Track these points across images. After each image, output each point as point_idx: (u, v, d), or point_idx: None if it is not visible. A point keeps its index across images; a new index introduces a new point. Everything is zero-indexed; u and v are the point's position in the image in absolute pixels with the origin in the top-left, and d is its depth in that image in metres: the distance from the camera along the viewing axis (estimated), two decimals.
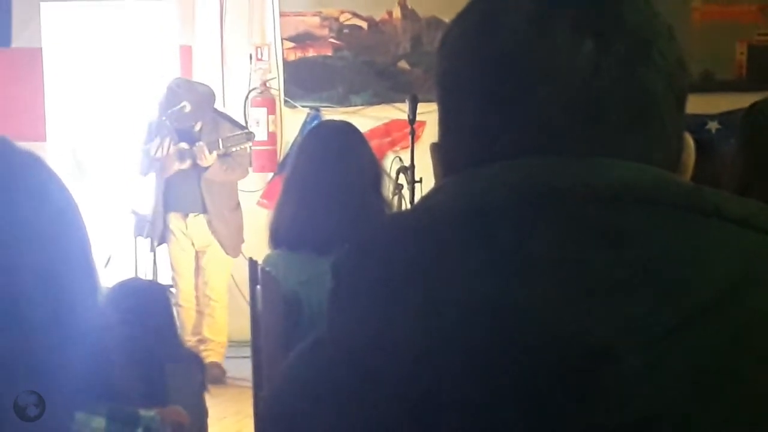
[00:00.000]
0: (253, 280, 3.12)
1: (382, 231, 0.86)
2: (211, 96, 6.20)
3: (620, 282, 0.74)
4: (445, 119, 0.91)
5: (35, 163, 1.20)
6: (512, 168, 0.81)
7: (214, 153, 5.97)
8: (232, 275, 6.33)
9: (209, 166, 5.99)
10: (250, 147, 6.29)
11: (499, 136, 0.85)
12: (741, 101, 4.76)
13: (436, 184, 0.90)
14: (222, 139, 5.99)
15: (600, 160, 0.81)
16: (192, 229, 6.15)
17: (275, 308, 2.90)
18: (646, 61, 0.84)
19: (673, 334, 0.72)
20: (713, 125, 6.56)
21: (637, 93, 0.84)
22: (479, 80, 0.86)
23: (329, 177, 2.88)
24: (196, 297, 6.31)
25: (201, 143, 5.95)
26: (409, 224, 0.84)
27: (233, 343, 6.23)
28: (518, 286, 0.75)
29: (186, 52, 7.23)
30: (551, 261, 0.75)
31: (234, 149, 6.02)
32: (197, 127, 6.06)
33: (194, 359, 3.76)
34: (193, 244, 6.19)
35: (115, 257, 5.95)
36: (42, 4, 6.96)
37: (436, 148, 0.93)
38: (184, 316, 6.17)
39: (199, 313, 6.33)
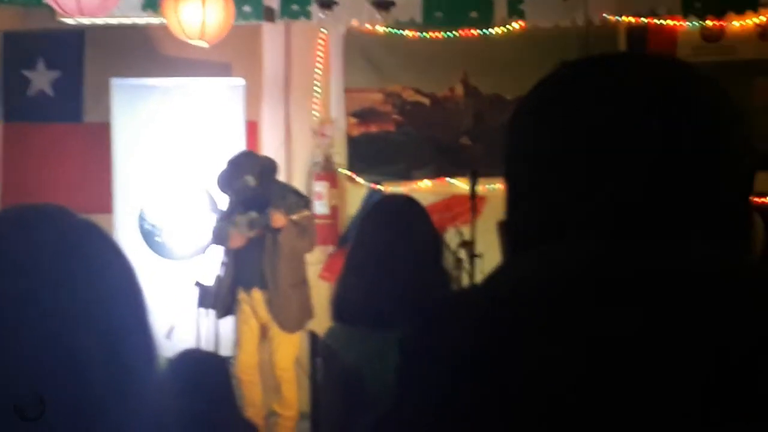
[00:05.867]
0: (314, 353, 3.12)
1: (450, 308, 0.86)
2: (273, 167, 6.29)
3: (701, 373, 0.73)
4: (513, 196, 0.92)
5: (93, 232, 1.21)
6: (584, 248, 0.81)
7: (285, 217, 6.03)
8: None
9: (280, 230, 6.02)
10: (312, 216, 6.31)
11: (568, 213, 0.85)
12: None
13: (503, 260, 0.90)
14: (284, 207, 6.05)
15: (671, 243, 0.81)
16: (256, 303, 6.18)
17: (335, 382, 2.89)
18: (714, 142, 0.84)
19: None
20: None
21: (705, 173, 0.84)
22: (549, 157, 0.87)
23: (391, 251, 2.89)
24: (261, 370, 6.29)
25: (272, 208, 6.02)
26: (476, 302, 0.84)
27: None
28: (595, 371, 0.74)
29: (252, 127, 7.35)
30: (631, 345, 0.74)
31: (295, 216, 6.05)
32: (264, 196, 6.13)
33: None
34: (258, 317, 6.21)
35: (178, 328, 5.99)
36: (112, 81, 7.15)
37: (502, 226, 0.93)
38: (244, 389, 6.16)
39: (266, 386, 6.30)
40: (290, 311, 6.10)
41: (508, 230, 0.92)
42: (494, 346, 0.78)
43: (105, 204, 6.93)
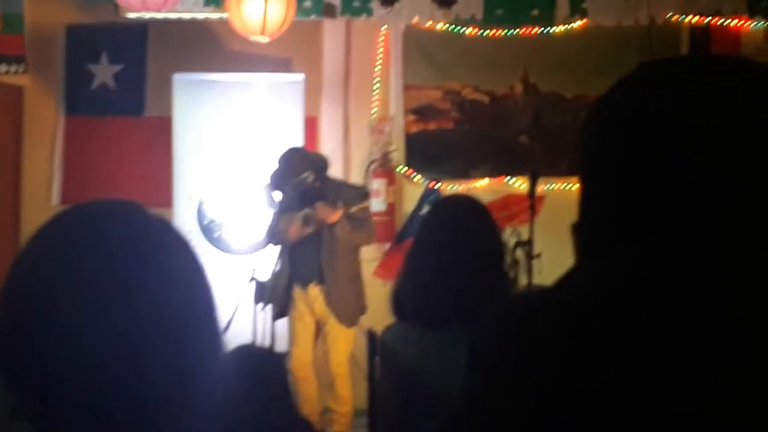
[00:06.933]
0: (372, 351, 3.12)
1: (520, 308, 0.86)
2: (326, 163, 6.30)
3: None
4: (586, 198, 0.91)
5: (164, 227, 1.24)
6: (658, 253, 0.80)
7: (339, 211, 6.02)
8: None
9: (334, 226, 6.02)
10: (369, 209, 6.31)
11: (640, 218, 0.84)
12: None
13: (575, 263, 0.89)
14: (342, 200, 6.05)
15: (747, 249, 0.79)
16: (313, 299, 6.19)
17: (394, 379, 2.89)
18: None
19: None
20: None
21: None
22: (623, 163, 0.86)
23: (453, 251, 2.88)
24: (315, 367, 6.31)
25: (321, 202, 6.02)
26: (548, 303, 0.83)
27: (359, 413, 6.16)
28: (673, 370, 0.73)
29: (311, 122, 7.38)
30: (718, 347, 0.74)
31: (353, 209, 6.05)
32: (321, 191, 6.14)
33: (308, 429, 3.77)
34: (314, 313, 6.23)
35: (234, 323, 6.02)
36: (174, 75, 7.22)
37: (575, 228, 0.92)
38: (300, 386, 6.18)
39: (320, 382, 6.32)
40: (348, 305, 6.12)
41: (580, 232, 0.91)
42: (568, 346, 0.77)
43: (165, 198, 7.00)
